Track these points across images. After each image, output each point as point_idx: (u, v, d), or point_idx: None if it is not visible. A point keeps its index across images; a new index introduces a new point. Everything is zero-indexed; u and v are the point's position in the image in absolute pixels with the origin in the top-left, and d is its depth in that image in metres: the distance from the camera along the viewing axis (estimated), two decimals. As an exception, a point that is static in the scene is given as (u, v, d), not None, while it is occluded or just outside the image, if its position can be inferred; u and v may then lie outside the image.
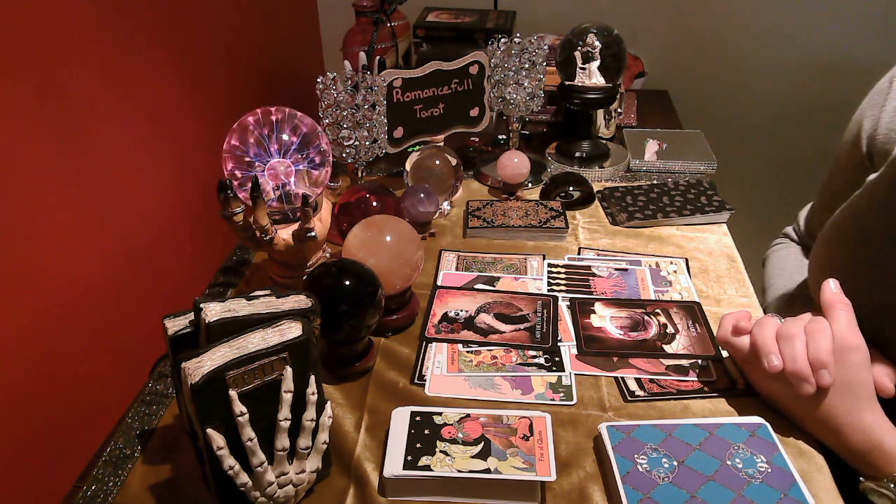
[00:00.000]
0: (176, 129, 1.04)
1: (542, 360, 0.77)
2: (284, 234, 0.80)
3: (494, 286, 0.90)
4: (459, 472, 0.61)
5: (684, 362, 0.77)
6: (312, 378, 0.59)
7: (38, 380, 0.78)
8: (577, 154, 1.19)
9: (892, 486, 0.60)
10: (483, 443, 0.64)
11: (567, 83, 1.15)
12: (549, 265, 0.94)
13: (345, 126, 0.95)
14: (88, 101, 0.84)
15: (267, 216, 0.77)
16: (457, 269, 0.94)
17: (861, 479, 0.62)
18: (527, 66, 1.07)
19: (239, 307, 0.60)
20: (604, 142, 1.24)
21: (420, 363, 0.78)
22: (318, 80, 0.93)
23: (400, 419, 0.67)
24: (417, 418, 0.67)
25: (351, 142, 0.96)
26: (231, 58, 1.20)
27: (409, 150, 1.07)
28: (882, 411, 0.63)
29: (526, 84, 1.08)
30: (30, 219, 0.76)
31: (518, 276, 0.92)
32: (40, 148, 0.77)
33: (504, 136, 1.29)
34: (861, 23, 1.58)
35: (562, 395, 0.73)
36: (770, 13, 1.60)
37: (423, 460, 0.62)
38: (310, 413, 0.59)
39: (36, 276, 0.77)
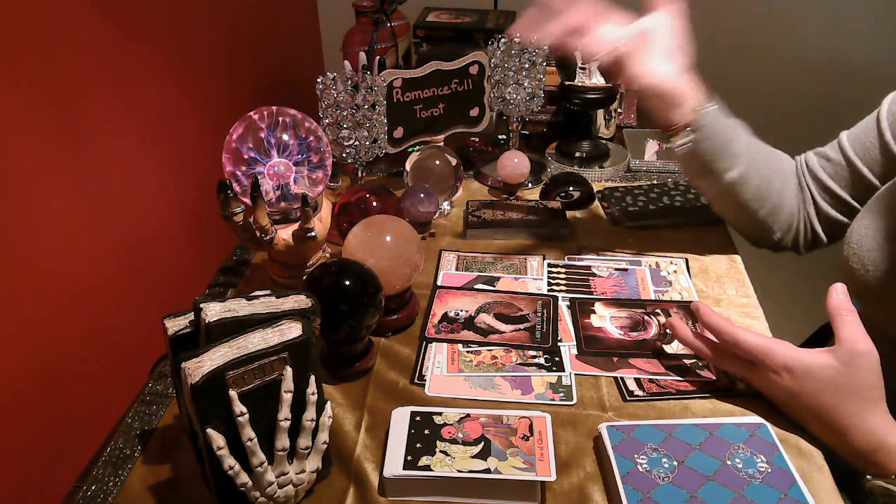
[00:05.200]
0: (176, 129, 1.04)
1: (542, 360, 0.77)
2: (284, 234, 0.80)
3: (494, 286, 0.90)
4: (459, 472, 0.61)
5: (684, 362, 0.77)
6: (312, 378, 0.59)
7: (38, 380, 0.78)
8: (577, 154, 1.19)
9: None
10: (483, 443, 0.64)
11: (567, 83, 1.15)
12: (549, 265, 0.94)
13: (345, 126, 0.95)
14: (88, 101, 0.84)
15: (267, 216, 0.77)
16: (457, 269, 0.94)
17: (868, 477, 0.63)
18: (527, 66, 1.07)
19: (239, 307, 0.60)
20: (604, 142, 1.24)
21: (420, 363, 0.78)
22: (318, 80, 0.93)
23: (400, 419, 0.67)
24: (417, 418, 0.67)
25: (351, 142, 0.96)
26: (231, 58, 1.20)
27: (409, 150, 1.07)
28: (888, 412, 0.63)
29: (526, 84, 1.08)
30: (30, 219, 0.76)
31: (518, 276, 0.92)
32: (40, 148, 0.77)
33: (504, 136, 1.28)
34: (862, 22, 1.58)
35: (562, 395, 0.73)
36: (770, 13, 1.60)
37: (423, 460, 0.62)
38: (310, 413, 0.59)
39: (36, 276, 0.77)
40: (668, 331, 0.81)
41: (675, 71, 0.82)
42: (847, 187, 0.87)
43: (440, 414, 0.67)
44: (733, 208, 0.89)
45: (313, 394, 0.59)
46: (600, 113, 1.26)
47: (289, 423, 0.57)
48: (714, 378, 0.75)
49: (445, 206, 1.06)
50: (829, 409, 0.64)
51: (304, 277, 0.75)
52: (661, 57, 0.81)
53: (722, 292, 0.89)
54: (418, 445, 0.64)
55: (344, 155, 0.97)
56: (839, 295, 0.67)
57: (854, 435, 0.63)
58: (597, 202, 1.09)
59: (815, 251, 0.94)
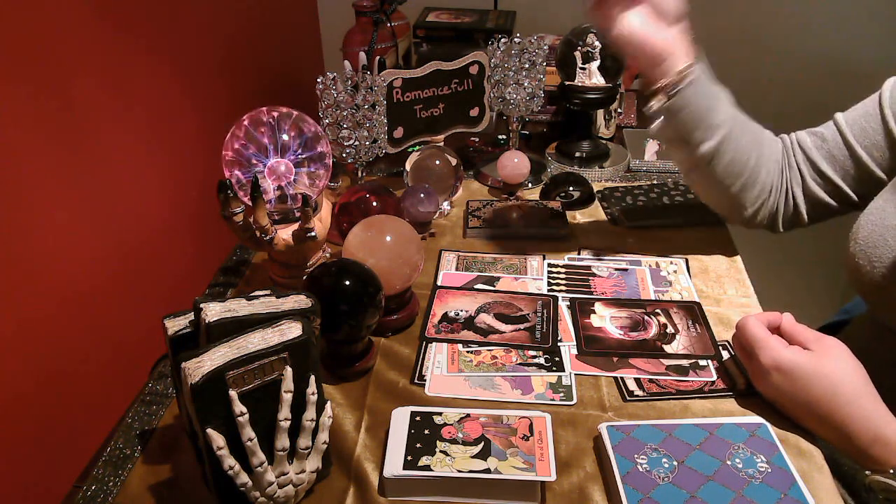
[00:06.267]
0: (176, 129, 1.04)
1: (542, 360, 0.77)
2: (284, 234, 0.80)
3: (494, 286, 0.90)
4: (459, 472, 0.61)
5: (684, 362, 0.77)
6: (312, 378, 0.59)
7: (38, 380, 0.77)
8: (577, 154, 1.19)
9: None
10: (483, 443, 0.64)
11: (567, 83, 1.15)
12: (549, 265, 0.94)
13: (345, 126, 0.95)
14: (89, 101, 0.84)
15: (267, 216, 0.77)
16: (457, 269, 0.94)
17: (867, 472, 0.63)
18: (527, 66, 1.07)
19: (239, 307, 0.60)
20: (604, 142, 1.24)
21: (420, 363, 0.78)
22: (318, 80, 0.93)
23: (400, 419, 0.67)
24: (417, 418, 0.67)
25: (351, 142, 0.96)
26: (231, 58, 1.20)
27: (409, 150, 1.07)
28: (881, 401, 0.64)
29: (526, 84, 1.08)
30: (30, 219, 0.76)
31: (518, 276, 0.92)
32: (41, 148, 0.77)
33: (504, 136, 1.28)
34: (863, 23, 1.58)
35: (562, 395, 0.73)
36: (771, 13, 1.60)
37: (423, 460, 0.62)
38: (310, 413, 0.59)
39: (36, 276, 0.77)
40: (668, 331, 0.81)
41: (656, 25, 0.78)
42: (840, 170, 0.85)
43: (440, 414, 0.67)
44: (704, 181, 0.87)
45: (313, 394, 0.59)
46: (600, 113, 1.26)
47: (289, 423, 0.57)
48: (714, 378, 0.75)
49: (445, 206, 1.06)
50: (823, 400, 0.64)
51: (304, 277, 0.75)
52: (644, 10, 0.78)
53: (722, 292, 0.89)
54: (418, 445, 0.64)
55: (344, 155, 0.97)
56: (789, 320, 0.70)
57: (851, 425, 0.63)
58: (597, 202, 1.10)
59: (812, 249, 0.94)
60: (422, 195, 0.97)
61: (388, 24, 1.35)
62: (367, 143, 0.97)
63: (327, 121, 0.94)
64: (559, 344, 0.80)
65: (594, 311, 0.85)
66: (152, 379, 0.78)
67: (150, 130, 0.98)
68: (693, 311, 0.84)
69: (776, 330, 0.71)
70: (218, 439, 0.54)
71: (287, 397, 0.57)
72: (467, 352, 0.79)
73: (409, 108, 1.04)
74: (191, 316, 0.62)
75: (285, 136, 0.79)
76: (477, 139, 1.28)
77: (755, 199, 0.88)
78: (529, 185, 1.14)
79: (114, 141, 0.89)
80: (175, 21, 1.03)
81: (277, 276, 0.86)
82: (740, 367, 0.74)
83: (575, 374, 0.76)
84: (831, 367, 0.65)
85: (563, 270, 0.93)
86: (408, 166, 1.05)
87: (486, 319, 0.83)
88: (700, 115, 0.80)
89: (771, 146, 0.89)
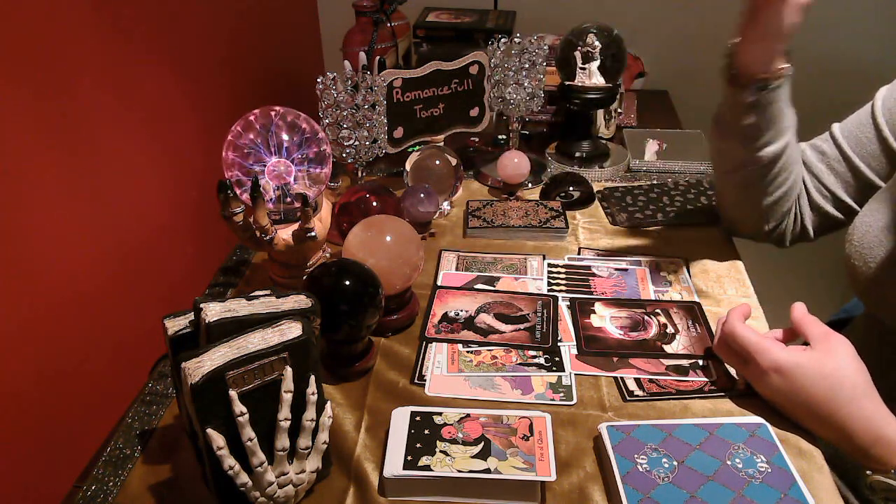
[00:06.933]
0: (176, 129, 1.04)
1: (542, 360, 0.77)
2: (284, 234, 0.80)
3: (494, 286, 0.90)
4: (459, 472, 0.61)
5: (684, 362, 0.77)
6: (312, 378, 0.59)
7: (38, 380, 0.77)
8: (577, 154, 1.19)
9: None
10: (483, 443, 0.64)
11: (567, 83, 1.15)
12: (549, 265, 0.94)
13: (345, 126, 0.95)
14: (88, 101, 0.84)
15: (267, 216, 0.77)
16: (457, 269, 0.94)
17: (868, 472, 0.63)
18: (527, 66, 1.07)
19: (239, 307, 0.60)
20: (604, 142, 1.24)
21: (420, 363, 0.78)
22: (318, 80, 0.93)
23: (400, 419, 0.67)
24: (417, 418, 0.67)
25: (351, 142, 0.96)
26: (231, 58, 1.20)
27: (409, 150, 1.07)
28: (881, 401, 0.64)
29: (526, 84, 1.08)
30: (30, 219, 0.76)
31: (518, 276, 0.92)
32: (40, 148, 0.77)
33: (504, 136, 1.28)
34: (863, 23, 1.58)
35: (562, 395, 0.73)
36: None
37: (424, 460, 0.62)
38: (310, 413, 0.59)
39: (36, 275, 0.77)
40: (668, 331, 0.81)
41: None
42: (842, 183, 0.86)
43: (440, 414, 0.67)
44: (747, 182, 0.87)
45: (313, 394, 0.59)
46: (600, 113, 1.26)
47: (289, 423, 0.57)
48: (714, 378, 0.75)
49: (445, 206, 1.06)
50: (823, 400, 0.64)
51: (304, 277, 0.75)
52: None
53: (722, 292, 0.89)
54: (418, 445, 0.64)
55: (344, 155, 0.97)
56: (800, 309, 0.70)
57: (852, 425, 0.63)
58: (597, 202, 1.10)
59: (811, 249, 0.94)
60: (422, 195, 0.97)
61: (388, 24, 1.35)
62: (367, 143, 0.97)
63: (327, 121, 0.94)
64: (559, 344, 0.80)
65: (594, 311, 0.85)
66: (152, 379, 0.78)
67: (150, 131, 0.98)
68: (693, 311, 0.84)
69: (748, 317, 0.72)
70: (218, 439, 0.54)
71: (287, 397, 0.57)
72: (467, 352, 0.79)
73: (409, 108, 1.04)
74: (191, 316, 0.62)
75: (285, 136, 0.79)
76: (477, 139, 1.28)
77: (780, 214, 0.89)
78: (529, 185, 1.14)
79: (114, 141, 0.89)
80: (175, 21, 1.03)
81: (277, 276, 0.86)
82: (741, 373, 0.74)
83: (575, 374, 0.76)
84: (832, 367, 0.65)
85: (563, 270, 0.93)
86: (408, 166, 1.05)
87: (486, 319, 0.83)
88: (778, 116, 0.82)
89: (801, 162, 0.90)
